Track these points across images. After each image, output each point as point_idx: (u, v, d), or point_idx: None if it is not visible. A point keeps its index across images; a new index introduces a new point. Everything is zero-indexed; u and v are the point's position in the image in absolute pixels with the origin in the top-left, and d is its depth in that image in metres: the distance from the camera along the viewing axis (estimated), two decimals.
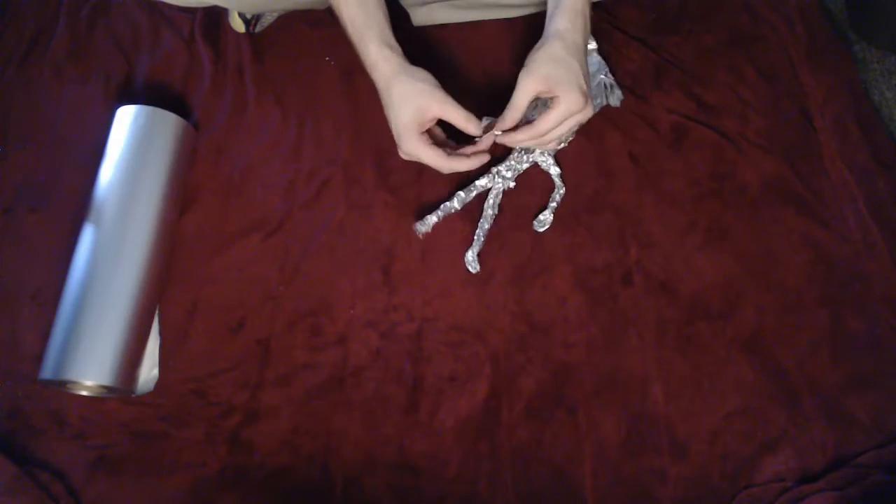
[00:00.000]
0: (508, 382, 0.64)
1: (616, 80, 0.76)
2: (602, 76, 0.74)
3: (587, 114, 0.62)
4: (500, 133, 0.64)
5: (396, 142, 0.64)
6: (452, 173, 0.66)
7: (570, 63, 0.60)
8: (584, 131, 0.74)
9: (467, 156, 0.65)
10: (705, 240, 0.69)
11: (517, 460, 0.62)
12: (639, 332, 0.66)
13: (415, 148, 0.62)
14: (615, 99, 0.75)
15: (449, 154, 0.63)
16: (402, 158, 0.74)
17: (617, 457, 0.61)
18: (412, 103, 0.61)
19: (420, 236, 0.69)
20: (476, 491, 0.61)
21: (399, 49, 0.64)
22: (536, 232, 0.70)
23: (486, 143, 0.65)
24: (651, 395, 0.63)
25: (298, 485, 0.62)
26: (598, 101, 0.74)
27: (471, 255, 0.68)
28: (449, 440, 0.63)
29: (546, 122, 0.61)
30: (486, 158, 0.65)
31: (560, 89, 0.59)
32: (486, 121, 0.65)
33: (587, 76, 0.62)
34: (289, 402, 0.65)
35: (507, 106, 0.62)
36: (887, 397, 0.62)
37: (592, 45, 0.75)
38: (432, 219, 0.69)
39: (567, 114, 0.60)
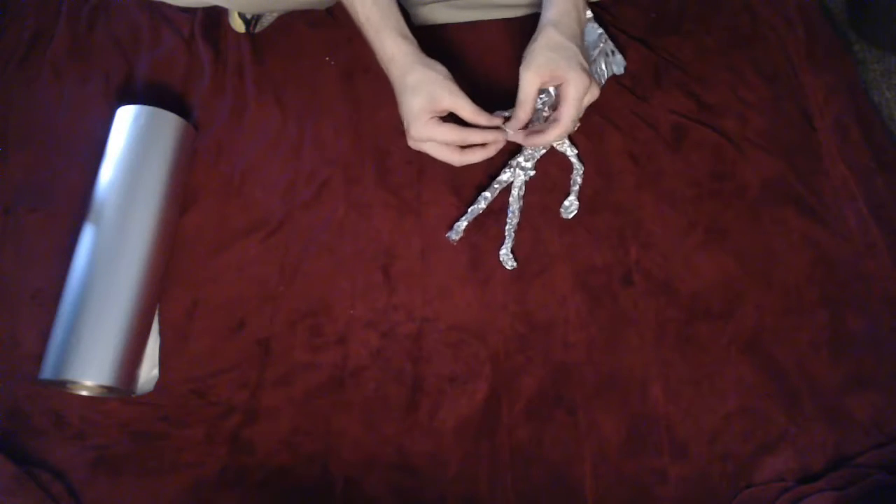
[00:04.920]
0: (508, 382, 0.64)
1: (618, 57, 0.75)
2: (602, 44, 0.73)
3: (595, 92, 0.62)
4: (511, 133, 0.64)
5: (406, 130, 0.64)
6: (451, 177, 0.67)
7: (566, 46, 0.60)
8: (584, 131, 0.74)
9: (481, 146, 0.64)
10: (705, 240, 0.69)
11: (517, 460, 0.62)
12: (639, 332, 0.66)
13: (425, 130, 0.62)
14: (618, 66, 0.74)
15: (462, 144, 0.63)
16: (402, 159, 0.74)
17: (617, 457, 0.61)
18: (425, 90, 0.62)
19: (454, 244, 0.70)
20: (476, 491, 0.61)
21: (415, 41, 0.65)
22: (565, 219, 0.70)
23: (497, 140, 0.65)
24: (651, 395, 0.63)
25: (298, 485, 0.62)
26: (600, 70, 0.73)
27: (504, 252, 0.68)
28: (449, 440, 0.63)
29: (567, 112, 0.61)
30: (497, 148, 0.65)
31: (564, 73, 0.60)
32: (497, 115, 0.65)
33: (587, 57, 0.62)
34: (289, 402, 0.65)
35: (517, 104, 0.63)
36: (887, 397, 0.62)
37: (588, 14, 0.72)
38: (462, 224, 0.69)
39: (580, 95, 0.60)
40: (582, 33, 0.64)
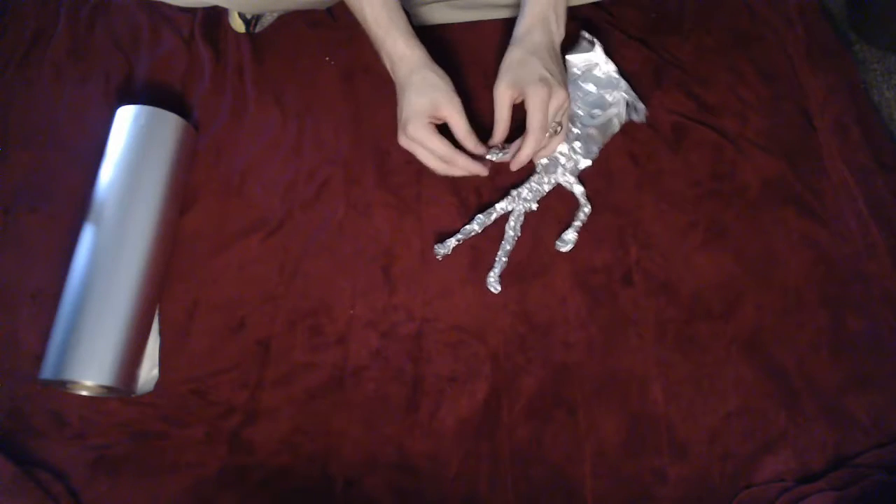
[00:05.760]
0: (508, 382, 0.64)
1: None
2: (624, 94, 0.74)
3: (560, 97, 0.64)
4: (495, 157, 0.67)
5: (401, 128, 0.65)
6: (452, 177, 0.68)
7: (527, 61, 0.64)
8: None
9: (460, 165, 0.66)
10: (705, 240, 0.69)
11: (517, 460, 0.62)
12: (639, 332, 0.66)
13: (421, 133, 0.63)
14: (639, 115, 0.75)
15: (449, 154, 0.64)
16: (402, 158, 0.74)
17: (617, 457, 0.61)
18: (429, 94, 0.63)
19: (438, 258, 0.69)
20: (476, 491, 0.61)
21: (422, 45, 0.67)
22: (559, 251, 0.69)
23: (481, 171, 0.67)
24: (651, 395, 0.63)
25: (298, 485, 0.62)
26: (621, 116, 0.74)
27: (492, 277, 0.68)
28: (449, 440, 0.63)
29: (532, 122, 0.63)
30: (483, 172, 0.66)
31: (524, 87, 0.63)
32: (493, 154, 0.68)
33: (552, 67, 0.65)
34: (289, 402, 0.65)
35: (494, 122, 0.65)
36: (887, 397, 0.62)
37: (612, 67, 0.75)
38: (452, 242, 0.69)
39: (540, 104, 0.62)
40: (550, 42, 0.66)
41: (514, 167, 0.67)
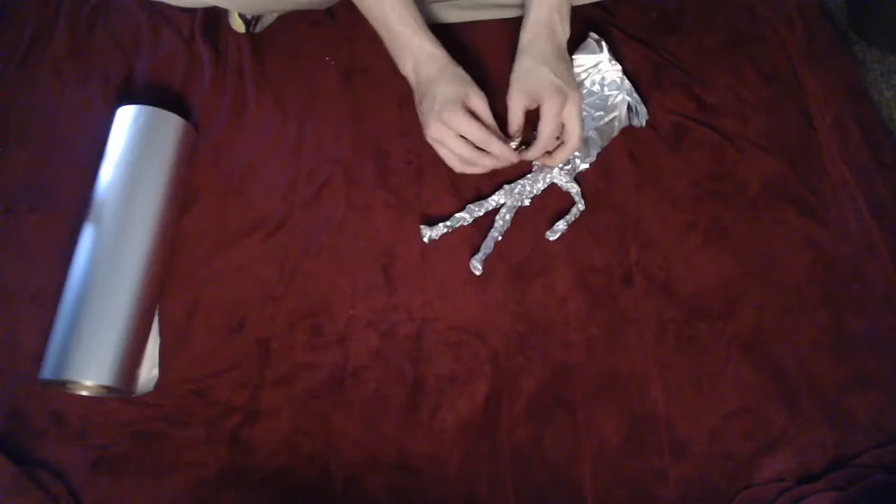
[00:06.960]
0: (508, 382, 0.64)
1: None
2: (626, 96, 0.74)
3: (575, 101, 0.65)
4: (514, 154, 0.67)
5: (433, 119, 0.64)
6: (451, 177, 0.68)
7: (538, 70, 0.66)
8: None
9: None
10: (705, 240, 0.69)
11: (517, 460, 0.62)
12: (639, 332, 0.66)
13: (458, 118, 0.64)
14: (640, 119, 0.74)
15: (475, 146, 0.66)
16: (402, 159, 0.74)
17: (617, 457, 0.61)
18: (460, 86, 0.66)
19: (425, 240, 0.69)
20: (476, 491, 0.61)
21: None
22: (548, 239, 0.70)
23: (509, 159, 0.67)
24: (651, 395, 0.63)
25: (298, 485, 0.62)
26: (621, 118, 0.74)
27: (476, 260, 0.68)
28: (449, 440, 0.63)
29: (544, 130, 0.65)
30: (514, 159, 0.67)
31: (538, 96, 0.65)
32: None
33: (562, 71, 0.66)
34: (289, 402, 0.65)
35: (508, 122, 0.67)
36: (887, 397, 0.62)
37: (617, 69, 0.74)
38: (442, 230, 0.69)
39: (555, 111, 0.64)
40: (557, 46, 0.68)
41: (516, 160, 0.67)
